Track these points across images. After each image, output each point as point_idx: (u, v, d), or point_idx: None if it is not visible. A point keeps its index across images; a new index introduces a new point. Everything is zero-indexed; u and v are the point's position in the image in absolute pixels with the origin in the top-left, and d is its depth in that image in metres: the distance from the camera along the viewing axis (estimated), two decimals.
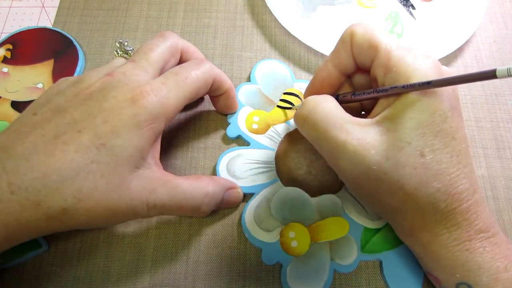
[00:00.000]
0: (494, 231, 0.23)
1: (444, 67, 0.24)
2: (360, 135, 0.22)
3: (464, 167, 0.22)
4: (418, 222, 0.23)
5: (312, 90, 0.28)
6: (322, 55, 0.37)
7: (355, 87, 0.28)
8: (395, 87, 0.22)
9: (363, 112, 0.29)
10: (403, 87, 0.22)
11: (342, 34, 0.25)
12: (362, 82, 0.27)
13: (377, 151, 0.22)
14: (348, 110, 0.27)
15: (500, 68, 0.18)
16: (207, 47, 0.38)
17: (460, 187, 0.22)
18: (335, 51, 0.26)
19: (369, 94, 0.25)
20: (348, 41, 0.25)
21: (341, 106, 0.25)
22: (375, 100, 0.25)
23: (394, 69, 0.22)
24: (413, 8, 0.40)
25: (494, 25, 0.40)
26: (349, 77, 0.27)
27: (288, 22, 0.37)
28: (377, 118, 0.23)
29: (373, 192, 0.24)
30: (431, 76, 0.22)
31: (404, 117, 0.22)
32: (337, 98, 0.27)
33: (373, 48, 0.24)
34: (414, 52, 0.23)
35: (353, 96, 0.26)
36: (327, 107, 0.24)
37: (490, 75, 0.18)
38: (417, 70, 0.22)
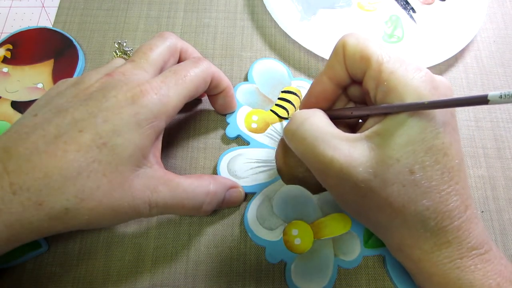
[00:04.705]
0: (487, 248, 0.22)
1: (438, 77, 0.23)
2: (347, 151, 0.22)
3: (456, 184, 0.22)
4: (407, 239, 0.23)
5: (307, 105, 0.27)
6: (322, 59, 0.37)
7: (350, 99, 0.27)
8: (387, 106, 0.21)
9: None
10: (396, 106, 0.21)
11: (335, 46, 0.24)
12: (357, 94, 0.26)
13: (365, 168, 0.21)
14: (341, 124, 0.26)
15: (492, 93, 0.17)
16: (207, 47, 0.38)
17: (451, 204, 0.21)
18: (329, 63, 0.25)
19: (359, 111, 0.24)
20: (340, 52, 0.24)
21: (335, 120, 0.25)
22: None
23: (385, 82, 0.22)
24: (414, 11, 0.40)
25: (494, 25, 0.40)
26: (345, 89, 0.27)
27: (288, 26, 0.37)
28: (366, 133, 0.22)
29: (361, 209, 0.23)
30: (423, 90, 0.21)
31: (394, 133, 0.21)
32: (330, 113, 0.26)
33: (364, 60, 0.23)
34: (406, 64, 0.22)
35: (342, 112, 0.25)
36: (316, 122, 0.24)
37: (482, 100, 0.18)
38: (408, 85, 0.21)
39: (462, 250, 0.22)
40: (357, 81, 0.25)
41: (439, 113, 0.21)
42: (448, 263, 0.22)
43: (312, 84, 0.26)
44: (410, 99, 0.21)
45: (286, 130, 0.25)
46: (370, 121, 0.23)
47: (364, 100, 0.26)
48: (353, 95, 0.26)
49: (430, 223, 0.22)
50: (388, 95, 0.22)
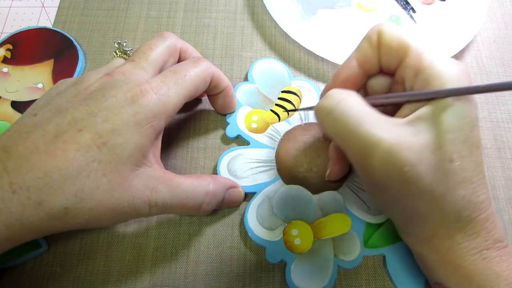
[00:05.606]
0: (507, 242, 0.23)
1: None
2: (395, 133, 0.21)
3: (483, 178, 0.22)
4: (440, 229, 0.23)
5: (333, 88, 0.25)
6: (322, 59, 0.37)
7: (368, 91, 0.27)
8: (437, 91, 0.21)
9: None
10: (448, 91, 0.21)
11: (368, 32, 0.24)
12: (377, 86, 0.26)
13: (410, 152, 0.21)
14: None
15: None
16: (207, 47, 0.38)
17: (481, 196, 0.22)
18: (361, 49, 0.25)
19: (396, 98, 0.23)
20: (375, 39, 0.24)
21: None
22: (393, 106, 0.24)
23: (427, 71, 0.22)
24: (414, 11, 0.40)
25: (494, 25, 0.40)
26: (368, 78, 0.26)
27: (288, 26, 0.37)
28: (409, 117, 0.22)
29: (400, 195, 0.23)
30: (464, 81, 0.21)
31: (437, 119, 0.21)
32: None
33: (402, 49, 0.23)
34: (443, 56, 0.22)
35: (374, 101, 0.25)
36: (357, 101, 0.23)
37: None
38: (449, 74, 0.21)
39: (489, 241, 0.22)
40: (383, 71, 0.25)
41: (474, 108, 0.22)
42: (476, 253, 0.22)
43: (339, 69, 0.26)
44: (452, 86, 0.21)
45: (320, 108, 0.24)
46: (405, 109, 0.23)
47: (384, 93, 0.26)
48: (373, 87, 0.26)
49: (463, 213, 0.22)
50: (429, 82, 0.21)
